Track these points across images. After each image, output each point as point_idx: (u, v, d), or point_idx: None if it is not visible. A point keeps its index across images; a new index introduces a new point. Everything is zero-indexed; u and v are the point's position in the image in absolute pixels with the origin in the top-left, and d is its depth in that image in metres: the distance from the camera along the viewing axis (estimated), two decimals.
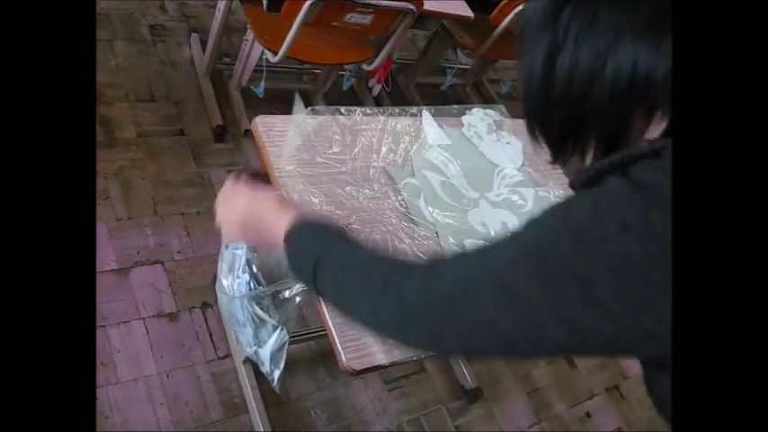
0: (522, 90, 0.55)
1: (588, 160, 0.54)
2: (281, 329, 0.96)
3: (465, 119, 1.30)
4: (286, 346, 0.97)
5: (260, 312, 0.98)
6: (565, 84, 0.50)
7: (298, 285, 0.87)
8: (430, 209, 1.08)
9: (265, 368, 1.02)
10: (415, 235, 1.03)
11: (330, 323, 0.86)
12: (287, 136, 1.01)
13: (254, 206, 0.79)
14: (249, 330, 1.03)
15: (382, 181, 1.09)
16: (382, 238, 0.99)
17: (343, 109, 1.10)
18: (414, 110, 1.22)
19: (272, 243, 0.76)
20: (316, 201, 0.97)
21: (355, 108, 1.12)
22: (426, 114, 1.23)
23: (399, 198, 1.08)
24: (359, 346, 0.85)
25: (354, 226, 0.97)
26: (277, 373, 1.01)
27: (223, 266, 1.05)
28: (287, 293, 0.88)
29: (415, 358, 0.89)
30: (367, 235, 0.97)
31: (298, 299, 0.90)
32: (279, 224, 0.74)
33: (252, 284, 1.04)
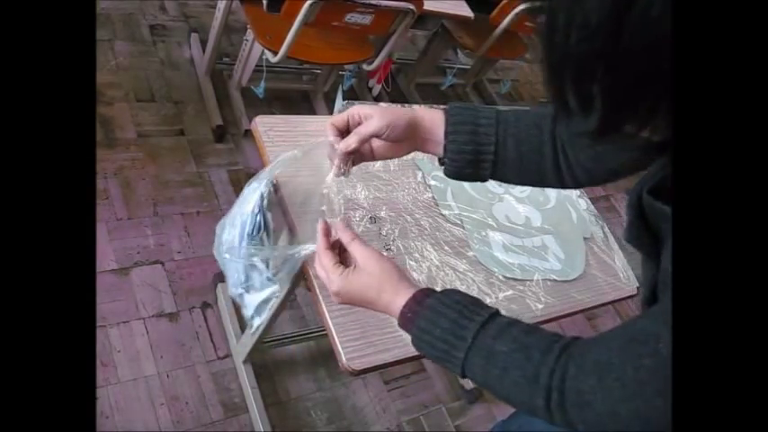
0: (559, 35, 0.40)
1: (647, 133, 0.43)
2: (274, 284, 0.90)
3: None
4: (272, 301, 0.92)
5: (256, 261, 0.92)
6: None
7: (308, 248, 0.83)
8: (456, 202, 1.13)
9: (247, 312, 0.97)
10: (442, 227, 1.08)
11: (330, 323, 0.86)
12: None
13: (363, 291, 0.74)
14: (241, 274, 0.97)
15: (411, 174, 1.13)
16: (410, 229, 1.04)
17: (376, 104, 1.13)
18: (443, 106, 1.26)
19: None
20: (349, 192, 1.02)
21: (386, 104, 1.15)
22: None
23: (427, 190, 1.13)
24: (359, 346, 0.85)
25: (383, 216, 1.03)
26: (257, 321, 0.96)
27: (239, 204, 0.98)
28: (290, 252, 0.84)
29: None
30: (395, 225, 1.03)
31: (300, 261, 0.86)
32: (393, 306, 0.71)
33: (260, 227, 0.95)
